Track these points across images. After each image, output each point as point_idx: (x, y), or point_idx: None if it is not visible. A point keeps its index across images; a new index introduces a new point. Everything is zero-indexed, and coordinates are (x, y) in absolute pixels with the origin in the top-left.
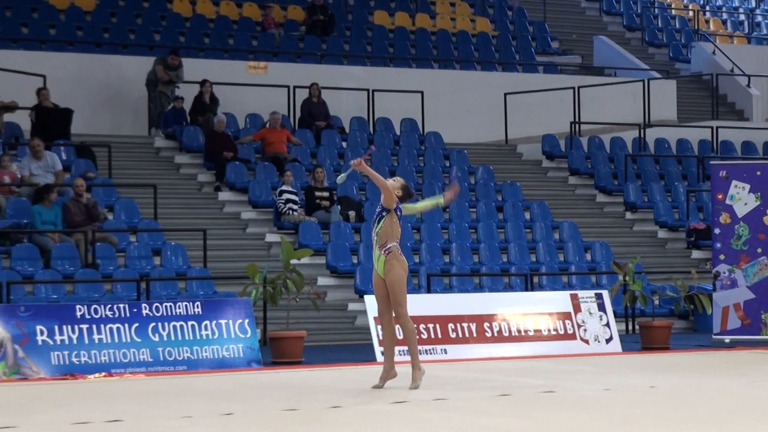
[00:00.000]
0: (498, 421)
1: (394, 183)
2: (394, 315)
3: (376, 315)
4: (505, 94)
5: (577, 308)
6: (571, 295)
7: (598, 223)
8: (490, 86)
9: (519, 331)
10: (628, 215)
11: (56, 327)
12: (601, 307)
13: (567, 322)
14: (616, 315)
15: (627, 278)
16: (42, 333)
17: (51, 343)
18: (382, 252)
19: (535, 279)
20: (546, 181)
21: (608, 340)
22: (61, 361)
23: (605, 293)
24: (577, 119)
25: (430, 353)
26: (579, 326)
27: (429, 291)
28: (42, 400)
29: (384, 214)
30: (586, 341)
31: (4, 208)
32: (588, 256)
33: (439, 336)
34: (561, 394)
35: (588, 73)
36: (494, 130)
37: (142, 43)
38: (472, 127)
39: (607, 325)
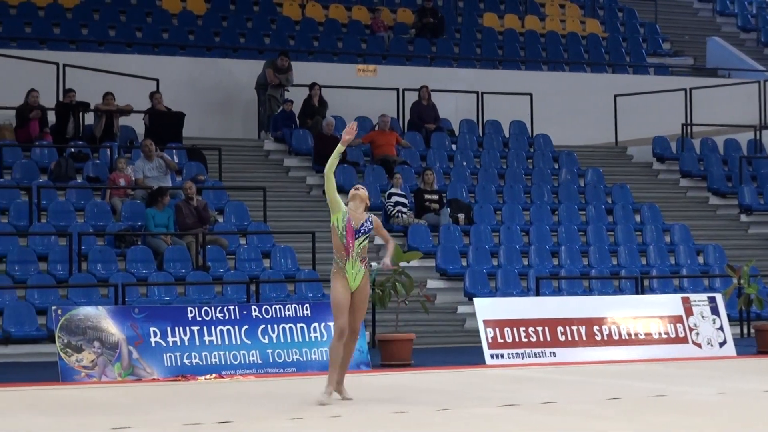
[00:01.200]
0: (608, 425)
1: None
2: (350, 332)
3: (341, 331)
4: (615, 96)
5: (689, 311)
6: (683, 298)
7: (711, 225)
8: (600, 88)
9: (629, 335)
10: (743, 218)
11: (169, 329)
12: (714, 311)
13: (678, 325)
14: (730, 318)
15: (742, 281)
16: (155, 335)
17: (164, 344)
18: (363, 265)
19: (646, 282)
20: (657, 184)
21: (722, 344)
22: (173, 362)
23: (718, 296)
24: (689, 121)
25: (539, 356)
26: (691, 330)
27: (538, 294)
28: (155, 401)
29: (369, 230)
30: (699, 345)
31: (119, 211)
32: (700, 259)
33: (548, 339)
34: (672, 398)
35: (700, 75)
36: (604, 132)
37: (253, 47)
38: (582, 129)
39: (721, 328)
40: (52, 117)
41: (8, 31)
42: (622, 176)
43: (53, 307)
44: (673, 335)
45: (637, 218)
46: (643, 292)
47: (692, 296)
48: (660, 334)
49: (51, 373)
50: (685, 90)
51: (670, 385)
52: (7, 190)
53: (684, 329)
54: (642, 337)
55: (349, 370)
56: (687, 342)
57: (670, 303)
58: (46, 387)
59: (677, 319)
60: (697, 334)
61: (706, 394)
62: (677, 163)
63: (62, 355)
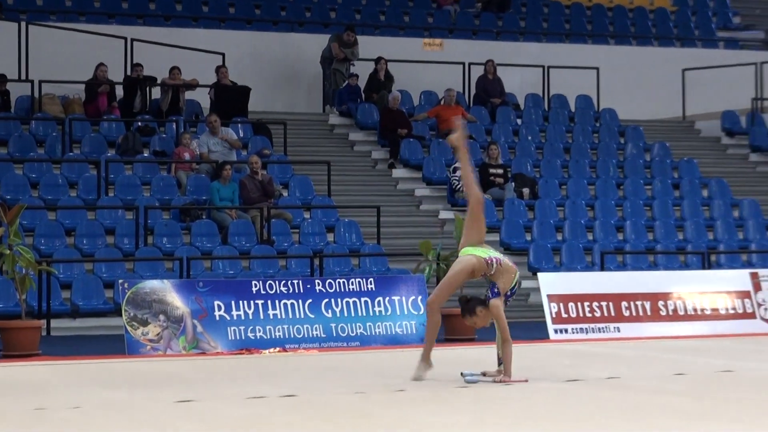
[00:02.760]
0: (674, 400)
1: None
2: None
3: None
4: (683, 70)
5: (757, 287)
6: (751, 273)
7: None
8: (668, 62)
9: (695, 310)
10: None
11: (233, 302)
12: None
13: (746, 301)
14: None
15: None
16: (219, 308)
17: (228, 318)
18: None
19: (713, 257)
20: (725, 158)
21: None
22: (237, 336)
23: None
24: (759, 95)
25: (603, 331)
26: (759, 305)
27: (602, 269)
28: (219, 374)
29: None
30: (767, 320)
31: (185, 184)
32: None
33: (612, 314)
34: (740, 374)
35: None
36: (671, 106)
37: (318, 21)
38: (649, 103)
39: None
40: (119, 91)
41: (77, 5)
42: (689, 151)
43: (120, 281)
44: (740, 311)
45: (705, 193)
46: (710, 268)
47: (761, 271)
48: (727, 309)
49: (118, 346)
50: (755, 64)
51: (737, 361)
52: (76, 164)
53: (752, 305)
54: (708, 312)
55: (412, 345)
56: (755, 317)
57: (737, 278)
58: (113, 360)
59: (745, 295)
60: (766, 309)
61: None
62: (746, 138)
63: (128, 328)
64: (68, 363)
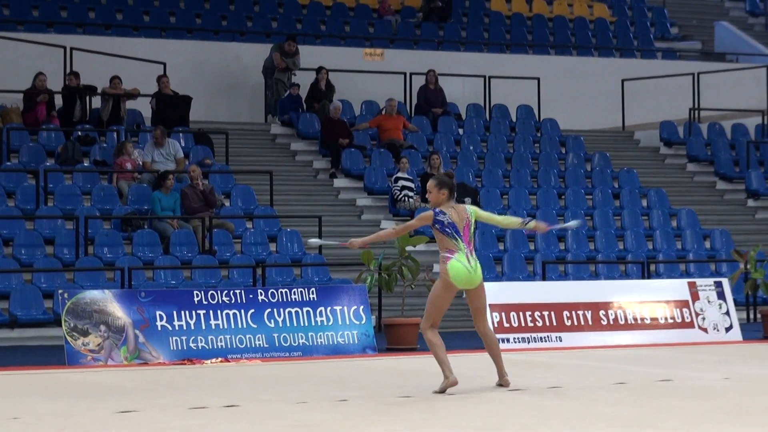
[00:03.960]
0: (614, 409)
1: (430, 193)
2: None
3: None
4: (623, 81)
5: (695, 296)
6: (689, 283)
7: (718, 210)
8: (608, 72)
9: (635, 319)
10: (750, 203)
11: (175, 312)
12: (721, 296)
13: (685, 310)
14: (736, 303)
15: (749, 266)
16: (161, 318)
17: (170, 328)
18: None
19: (652, 267)
20: (664, 168)
21: (728, 329)
22: (179, 346)
23: (725, 281)
24: (696, 106)
25: (545, 341)
26: (697, 315)
27: (544, 278)
28: (161, 385)
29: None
30: (705, 330)
31: (126, 194)
32: (707, 244)
33: (554, 323)
34: (678, 382)
35: (708, 59)
36: (611, 116)
37: (260, 31)
38: (589, 113)
39: (727, 313)
40: (59, 100)
41: (15, 14)
42: (629, 161)
43: (60, 291)
44: (679, 320)
45: (644, 203)
46: (649, 277)
47: (699, 281)
48: (666, 318)
49: (57, 356)
50: (692, 75)
51: (676, 369)
52: (14, 174)
53: (690, 314)
54: (648, 321)
55: (354, 355)
56: (693, 327)
57: (676, 288)
58: (52, 370)
59: (683, 304)
60: (704, 319)
61: (712, 379)
62: (684, 148)
63: (68, 338)
64: (7, 373)
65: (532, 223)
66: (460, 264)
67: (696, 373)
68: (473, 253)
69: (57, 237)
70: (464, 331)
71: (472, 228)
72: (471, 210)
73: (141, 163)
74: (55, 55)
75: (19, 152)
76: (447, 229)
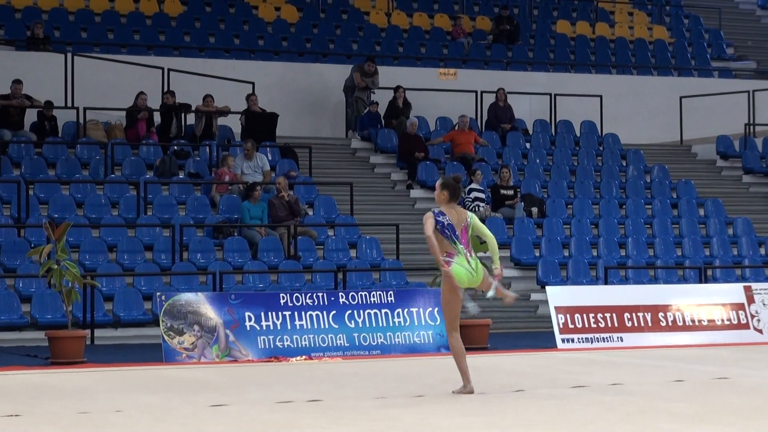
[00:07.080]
0: (673, 405)
1: (437, 191)
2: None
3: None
4: (681, 98)
5: (750, 299)
6: (745, 287)
7: None
8: (666, 90)
9: (693, 321)
10: None
11: (262, 314)
12: None
13: (740, 312)
14: None
15: None
16: (250, 319)
17: (258, 328)
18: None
19: (709, 272)
20: (720, 180)
21: None
22: (266, 344)
23: None
24: (751, 121)
25: (607, 341)
26: (752, 316)
27: (606, 283)
28: (249, 381)
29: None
30: (760, 331)
31: (218, 204)
32: (762, 251)
33: (616, 325)
34: (734, 380)
35: (763, 78)
36: (670, 131)
37: (341, 52)
38: (648, 128)
39: None
40: (157, 117)
41: (119, 38)
42: (686, 173)
43: (158, 293)
44: (735, 322)
45: (701, 212)
46: (706, 282)
47: (754, 285)
48: (722, 320)
49: (155, 354)
50: (748, 92)
51: (732, 368)
52: (117, 185)
53: (746, 316)
54: (705, 323)
55: (429, 353)
56: (749, 328)
57: (732, 291)
58: (151, 367)
59: (739, 307)
60: (759, 320)
61: (766, 377)
62: (740, 161)
63: (165, 337)
64: (110, 370)
65: (498, 269)
66: (461, 267)
67: (751, 371)
68: (472, 253)
69: (155, 243)
70: (530, 332)
71: (470, 231)
72: (471, 216)
73: (234, 175)
74: (154, 76)
75: (122, 165)
76: (446, 231)
